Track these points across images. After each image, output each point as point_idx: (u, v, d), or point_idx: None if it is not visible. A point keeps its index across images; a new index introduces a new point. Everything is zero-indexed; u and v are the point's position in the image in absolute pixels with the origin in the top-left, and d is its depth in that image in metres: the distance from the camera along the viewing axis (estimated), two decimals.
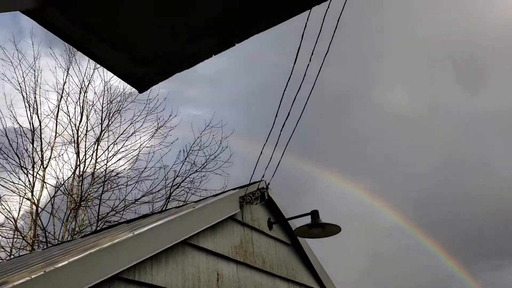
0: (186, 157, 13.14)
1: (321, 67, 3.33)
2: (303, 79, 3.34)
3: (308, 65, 3.26)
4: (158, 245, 3.33)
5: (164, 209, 12.05)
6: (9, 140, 13.07)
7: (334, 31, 3.13)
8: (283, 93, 3.25)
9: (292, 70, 3.15)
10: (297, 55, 3.07)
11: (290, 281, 4.94)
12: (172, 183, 12.90)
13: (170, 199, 12.78)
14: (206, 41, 1.42)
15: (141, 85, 1.60)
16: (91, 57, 1.50)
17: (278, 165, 4.09)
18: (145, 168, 13.27)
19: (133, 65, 1.55)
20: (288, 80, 3.15)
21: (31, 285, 2.40)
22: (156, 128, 13.96)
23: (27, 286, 2.37)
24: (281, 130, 3.60)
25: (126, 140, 13.95)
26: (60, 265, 2.61)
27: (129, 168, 13.57)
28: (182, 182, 12.96)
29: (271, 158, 4.00)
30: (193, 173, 13.14)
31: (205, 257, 3.83)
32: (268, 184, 4.72)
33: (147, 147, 13.76)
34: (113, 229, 5.35)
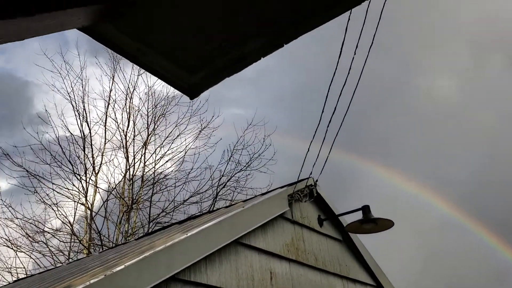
0: (230, 156, 13.28)
1: (366, 58, 3.27)
2: (349, 72, 3.29)
3: (353, 58, 3.21)
4: (211, 246, 3.38)
5: (212, 209, 12.24)
6: (62, 148, 13.66)
7: (378, 24, 3.06)
8: (329, 87, 3.22)
9: (337, 64, 3.11)
10: (341, 48, 3.02)
11: (344, 278, 4.89)
12: (218, 183, 13.07)
13: (217, 199, 12.96)
14: (255, 44, 1.43)
15: (192, 92, 1.62)
16: (143, 68, 1.53)
17: (326, 161, 4.06)
18: (191, 169, 13.53)
19: (184, 74, 1.57)
20: (334, 74, 3.11)
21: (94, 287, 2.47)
22: (200, 129, 14.20)
23: None
24: (327, 126, 3.56)
25: (172, 143, 14.26)
26: (119, 268, 2.68)
27: (176, 170, 13.87)
28: (227, 181, 13.11)
29: (318, 155, 3.97)
30: (238, 172, 13.27)
31: (258, 256, 3.86)
32: (316, 180, 4.69)
33: (192, 148, 14.01)
34: (166, 230, 5.48)
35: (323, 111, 3.38)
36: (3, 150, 13.14)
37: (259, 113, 15.52)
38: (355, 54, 3.21)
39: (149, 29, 1.41)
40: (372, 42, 3.21)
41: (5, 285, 8.62)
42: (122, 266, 2.71)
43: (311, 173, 4.46)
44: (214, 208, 12.25)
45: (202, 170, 13.45)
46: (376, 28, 3.11)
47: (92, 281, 2.51)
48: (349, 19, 2.91)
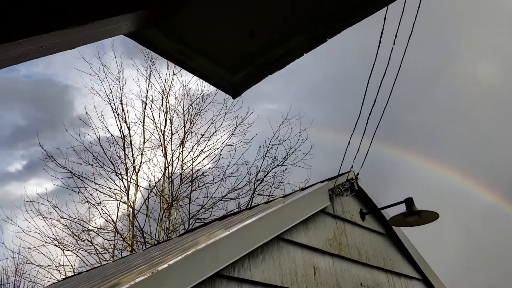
0: (267, 152, 13.30)
1: (406, 46, 3.19)
2: (388, 62, 3.21)
3: (393, 48, 3.13)
4: (254, 242, 3.39)
5: (250, 204, 12.30)
6: (103, 148, 14.07)
7: (417, 12, 2.97)
8: (369, 78, 3.16)
9: (376, 54, 3.04)
10: (380, 38, 2.96)
11: (389, 272, 4.82)
12: (255, 179, 13.13)
13: (255, 194, 13.02)
14: (298, 40, 1.41)
15: (235, 91, 1.63)
16: (186, 69, 1.55)
17: (366, 154, 3.99)
18: (228, 165, 13.64)
19: (226, 74, 1.58)
20: (373, 65, 3.05)
21: (142, 285, 2.52)
22: (235, 126, 14.29)
23: (138, 287, 2.50)
24: (368, 118, 3.50)
25: (208, 140, 14.42)
26: (165, 266, 2.73)
27: (213, 167, 14.03)
28: (264, 177, 13.14)
29: (359, 148, 3.91)
30: (275, 167, 13.27)
31: (300, 251, 3.85)
32: (357, 174, 4.63)
33: (228, 145, 14.12)
34: (207, 227, 5.55)
35: (363, 103, 3.33)
36: (47, 152, 13.67)
37: (294, 107, 15.45)
38: (394, 44, 3.14)
39: (191, 31, 1.42)
40: (412, 31, 3.12)
41: (54, 283, 8.97)
42: (168, 264, 2.75)
43: (351, 167, 4.41)
44: (252, 204, 12.31)
45: (239, 166, 13.55)
46: (416, 16, 3.02)
47: (139, 279, 2.56)
48: (387, 8, 2.84)
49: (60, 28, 0.94)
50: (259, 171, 13.16)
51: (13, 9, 0.89)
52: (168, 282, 2.68)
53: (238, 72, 1.58)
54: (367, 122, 3.60)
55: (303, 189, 4.72)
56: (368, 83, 3.27)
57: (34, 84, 20.91)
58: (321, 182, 4.57)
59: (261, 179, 13.12)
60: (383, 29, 2.93)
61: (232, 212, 7.01)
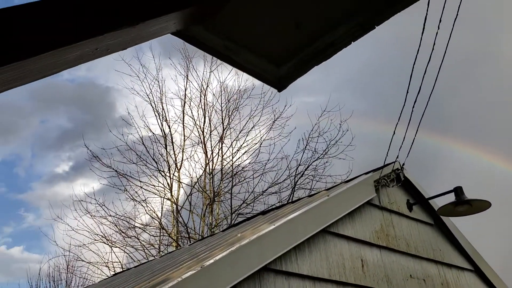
0: (306, 145, 13.22)
1: (451, 31, 3.08)
2: (433, 48, 3.11)
3: (437, 33, 3.03)
4: (300, 235, 3.38)
5: (291, 198, 12.28)
6: (146, 147, 14.41)
7: None
8: (413, 65, 3.06)
9: (420, 40, 2.95)
10: (424, 23, 2.86)
11: (439, 263, 4.69)
12: (296, 172, 13.09)
13: (296, 188, 12.99)
14: (345, 29, 1.39)
15: (280, 84, 1.62)
16: (232, 65, 1.55)
17: (412, 143, 3.89)
18: (268, 160, 13.67)
19: (271, 67, 1.57)
20: (418, 51, 2.96)
21: (191, 280, 2.56)
22: (273, 120, 14.28)
23: (188, 281, 2.54)
24: (413, 106, 3.41)
25: (247, 135, 14.49)
26: (212, 260, 2.76)
27: (253, 162, 14.09)
28: (305, 170, 13.08)
29: (404, 137, 3.82)
30: (315, 160, 13.19)
31: (347, 244, 3.81)
32: (403, 164, 4.52)
33: (267, 139, 14.14)
34: (251, 221, 5.57)
35: (408, 91, 3.24)
36: (92, 153, 14.13)
37: (333, 99, 15.23)
38: (438, 28, 3.03)
39: (236, 26, 1.42)
40: (457, 15, 3.01)
41: (105, 279, 9.27)
42: (216, 258, 2.78)
43: (397, 157, 4.31)
44: (294, 198, 12.28)
45: (279, 160, 13.55)
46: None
47: (188, 274, 2.60)
48: None
49: (114, 30, 0.96)
50: (299, 165, 13.12)
51: (70, 13, 0.91)
52: (216, 277, 2.71)
53: (283, 65, 1.57)
54: (412, 110, 3.51)
55: (347, 181, 4.66)
56: (412, 70, 3.18)
57: (77, 88, 21.65)
58: (366, 173, 4.49)
59: (302, 173, 13.08)
60: (426, 14, 2.84)
61: (274, 206, 7.02)
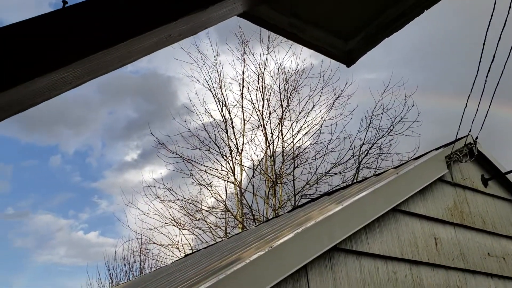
0: (370, 123, 12.90)
1: None
2: (509, 13, 2.89)
3: None
4: (369, 215, 3.32)
5: (356, 178, 12.08)
6: (208, 133, 14.74)
7: None
8: (486, 34, 2.87)
9: (494, 6, 2.75)
10: None
11: None
12: (360, 152, 12.83)
13: (361, 168, 12.75)
14: None
15: (349, 59, 1.58)
16: (298, 42, 1.53)
17: (486, 115, 3.67)
18: (330, 140, 13.50)
19: (339, 42, 1.53)
20: (491, 18, 2.76)
21: (261, 260, 2.60)
22: (334, 99, 14.04)
23: (258, 261, 2.57)
24: (486, 76, 3.20)
25: (307, 116, 14.37)
26: (282, 241, 2.78)
27: (315, 143, 13.97)
28: (369, 149, 12.79)
29: (477, 110, 3.60)
30: (380, 138, 12.84)
31: (419, 222, 3.69)
32: (476, 138, 4.28)
33: (328, 119, 13.94)
34: (316, 202, 5.55)
35: (480, 60, 3.04)
36: (158, 140, 14.68)
37: (396, 74, 14.69)
38: None
39: (302, 2, 1.40)
40: None
41: (176, 260, 9.65)
42: (285, 239, 2.80)
43: (470, 131, 4.09)
44: (359, 178, 12.07)
45: (341, 140, 13.34)
46: None
47: (258, 255, 2.63)
48: None
49: (186, 14, 0.97)
50: (363, 144, 12.84)
51: (145, 2, 0.94)
52: (286, 257, 2.73)
53: (351, 39, 1.52)
54: (485, 81, 3.30)
55: (416, 158, 4.49)
56: (485, 39, 2.98)
57: (141, 79, 22.47)
58: (436, 149, 4.31)
59: (366, 152, 12.79)
60: None
61: (339, 187, 6.93)
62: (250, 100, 15.03)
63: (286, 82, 14.81)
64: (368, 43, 1.50)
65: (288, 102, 14.63)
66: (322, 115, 14.11)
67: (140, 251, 18.64)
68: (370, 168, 12.66)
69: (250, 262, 2.55)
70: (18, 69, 0.78)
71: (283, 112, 14.54)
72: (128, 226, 16.03)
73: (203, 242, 14.20)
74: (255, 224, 12.49)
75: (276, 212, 13.11)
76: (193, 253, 9.03)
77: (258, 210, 13.92)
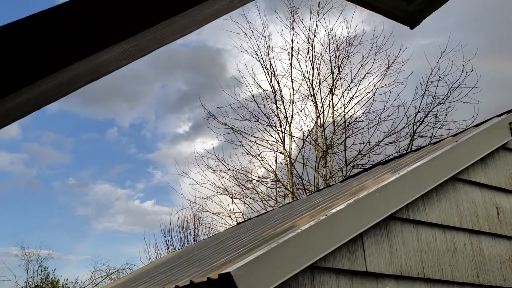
0: (425, 90, 12.41)
1: None
2: None
3: None
4: (427, 183, 3.25)
5: (410, 148, 11.75)
6: (257, 103, 14.77)
7: None
8: None
9: None
10: None
11: None
12: (414, 120, 12.42)
13: (415, 137, 12.36)
14: None
15: (412, 20, 1.51)
16: (359, 4, 1.48)
17: None
18: (383, 109, 13.14)
19: (401, 2, 1.47)
20: None
21: (315, 228, 2.61)
22: (387, 66, 13.58)
23: (313, 229, 2.59)
24: None
25: (359, 84, 14.02)
26: (337, 209, 2.78)
27: (367, 111, 13.66)
28: (425, 117, 12.34)
29: None
30: (436, 106, 12.34)
31: (479, 191, 3.57)
32: None
33: (381, 87, 13.54)
34: (371, 171, 5.48)
35: None
36: (209, 112, 14.91)
37: (453, 38, 13.93)
38: None
39: None
40: None
41: (230, 228, 9.91)
42: (341, 207, 2.79)
43: None
44: (413, 147, 11.75)
45: (395, 108, 12.95)
46: None
47: (313, 222, 2.65)
48: None
49: None
50: (418, 112, 12.40)
51: None
52: (341, 225, 2.73)
53: (415, 0, 1.46)
54: None
55: (476, 125, 4.29)
56: None
57: (191, 52, 22.73)
58: (499, 116, 4.10)
59: (421, 120, 12.36)
60: None
61: (392, 156, 6.77)
62: (300, 69, 14.84)
63: (337, 50, 14.45)
64: (433, 3, 1.43)
65: (339, 70, 14.32)
66: (375, 83, 13.72)
67: (194, 219, 19.31)
68: (425, 137, 12.25)
69: (305, 229, 2.57)
70: (97, 38, 0.82)
71: (333, 81, 14.27)
72: (182, 195, 16.64)
73: (254, 211, 14.48)
74: (306, 194, 12.53)
75: (327, 182, 13.07)
76: (245, 221, 9.23)
77: (309, 180, 13.94)
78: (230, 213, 15.27)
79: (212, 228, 17.42)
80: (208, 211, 15.96)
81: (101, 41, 0.85)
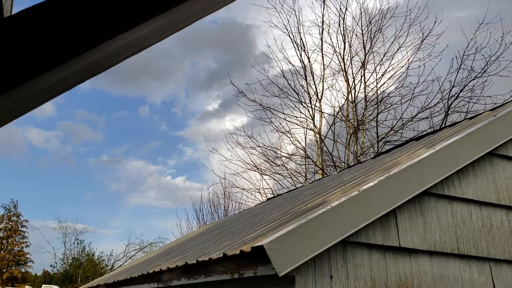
0: (461, 63, 11.99)
1: None
2: None
3: None
4: (463, 159, 3.17)
5: (445, 123, 11.46)
6: (286, 80, 14.65)
7: None
8: None
9: None
10: None
11: None
12: (449, 95, 12.07)
13: (450, 112, 12.02)
14: None
15: None
16: None
17: None
18: (416, 83, 12.81)
19: None
20: None
21: (348, 203, 2.60)
22: (421, 39, 13.16)
23: (345, 205, 2.58)
24: None
25: (392, 58, 13.68)
26: (370, 184, 2.75)
27: (400, 86, 13.34)
28: (460, 92, 11.96)
29: None
30: (472, 80, 11.93)
31: None
32: None
33: (415, 61, 13.17)
34: (403, 147, 5.39)
35: None
36: (238, 89, 14.90)
37: (491, 9, 13.32)
38: None
39: None
40: None
41: (260, 203, 9.99)
42: (374, 182, 2.76)
43: None
44: (447, 122, 11.46)
45: (429, 83, 12.61)
46: None
47: (345, 198, 2.63)
48: None
49: None
50: (453, 86, 12.03)
51: None
52: (374, 200, 2.71)
53: None
54: None
55: None
56: None
57: (220, 29, 22.65)
58: None
59: (456, 95, 12.00)
60: None
61: (426, 132, 6.61)
62: (331, 43, 14.57)
63: (369, 23, 14.08)
64: None
65: (371, 44, 13.98)
66: (408, 57, 13.36)
67: (224, 194, 19.61)
68: (460, 112, 11.91)
69: (337, 205, 2.57)
70: (140, 10, 0.82)
71: (365, 55, 13.96)
72: (212, 171, 16.87)
73: (283, 187, 14.54)
74: (336, 170, 12.46)
75: (358, 159, 12.95)
76: (274, 197, 9.29)
77: (339, 156, 13.84)
78: (259, 189, 15.40)
79: (242, 204, 17.65)
80: (238, 187, 16.16)
81: (143, 13, 0.86)
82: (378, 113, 13.18)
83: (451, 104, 12.00)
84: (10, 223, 42.14)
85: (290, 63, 14.85)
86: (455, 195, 3.11)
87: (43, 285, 23.54)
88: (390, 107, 13.20)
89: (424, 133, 8.33)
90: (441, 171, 3.05)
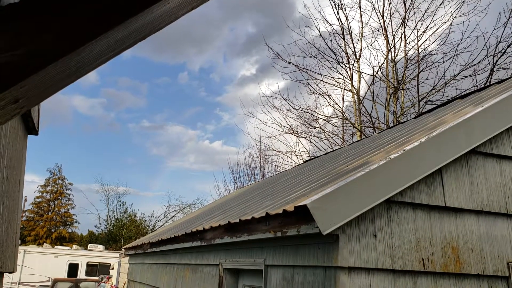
0: (509, 17, 11.30)
1: None
2: None
3: None
4: None
5: (489, 81, 10.97)
6: (324, 39, 14.29)
7: None
8: None
9: None
10: None
11: None
12: (495, 51, 11.47)
13: (495, 69, 11.47)
14: None
15: None
16: None
17: None
18: (460, 40, 12.23)
19: None
20: None
21: (393, 163, 2.55)
22: None
23: (390, 164, 2.54)
24: None
25: (434, 14, 13.05)
26: (415, 144, 2.69)
27: (442, 43, 12.78)
28: (507, 47, 11.34)
29: None
30: None
31: None
32: None
33: (459, 16, 12.52)
34: (447, 106, 5.23)
35: None
36: (273, 50, 14.70)
37: None
38: None
39: None
40: None
41: (297, 165, 10.01)
42: (420, 141, 2.70)
43: None
44: (492, 80, 10.96)
45: (473, 39, 12.01)
46: None
47: (390, 157, 2.60)
48: None
49: None
50: (500, 42, 11.40)
51: None
52: (420, 160, 2.65)
53: None
54: None
55: None
56: None
57: None
58: None
59: (503, 51, 11.38)
60: None
61: (476, 90, 6.34)
62: (369, 0, 14.02)
63: None
64: None
65: (412, 0, 13.36)
66: (451, 12, 12.70)
67: (260, 157, 19.78)
68: (507, 69, 11.33)
69: (382, 165, 2.53)
70: None
71: (406, 11, 13.38)
72: (248, 134, 16.99)
73: (320, 150, 14.48)
74: (376, 131, 12.26)
75: (398, 119, 12.66)
76: (312, 159, 9.27)
77: (378, 118, 13.57)
78: (296, 151, 15.41)
79: (278, 166, 17.75)
80: (274, 150, 16.22)
81: None
82: (419, 72, 12.74)
83: (497, 60, 11.41)
84: (56, 186, 44.27)
85: (327, 21, 14.48)
86: (504, 153, 3.01)
87: (89, 245, 24.94)
88: (431, 65, 12.73)
89: (469, 91, 8.01)
90: (490, 129, 2.95)
